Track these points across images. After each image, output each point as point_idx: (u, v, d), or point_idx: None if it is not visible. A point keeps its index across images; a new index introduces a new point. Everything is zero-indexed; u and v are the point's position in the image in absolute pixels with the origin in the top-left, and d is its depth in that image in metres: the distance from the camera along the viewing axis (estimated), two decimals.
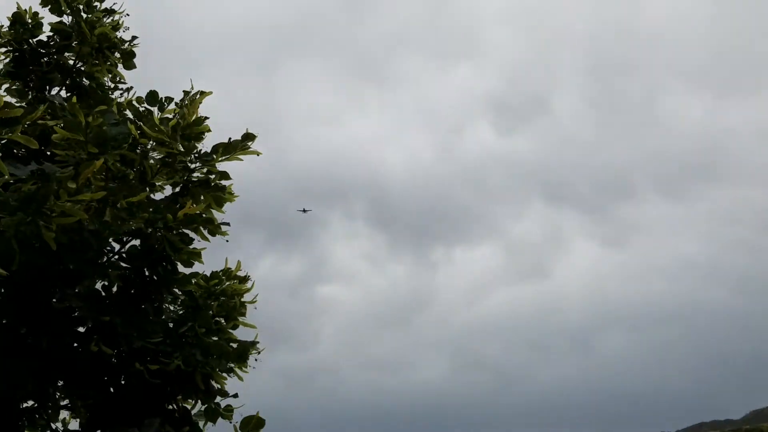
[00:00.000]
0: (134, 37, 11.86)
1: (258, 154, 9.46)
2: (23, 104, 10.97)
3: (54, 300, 8.13)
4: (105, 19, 11.70)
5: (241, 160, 9.42)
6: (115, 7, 11.61)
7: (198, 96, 9.33)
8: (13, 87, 10.58)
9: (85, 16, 11.53)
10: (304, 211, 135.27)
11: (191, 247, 8.98)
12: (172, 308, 9.67)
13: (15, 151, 9.57)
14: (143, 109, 8.63)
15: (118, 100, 10.76)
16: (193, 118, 9.21)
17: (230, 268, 9.59)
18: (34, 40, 10.97)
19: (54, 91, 10.95)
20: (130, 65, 11.76)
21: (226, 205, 9.47)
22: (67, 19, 11.50)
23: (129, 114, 10.92)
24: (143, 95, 9.56)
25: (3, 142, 8.29)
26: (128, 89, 11.40)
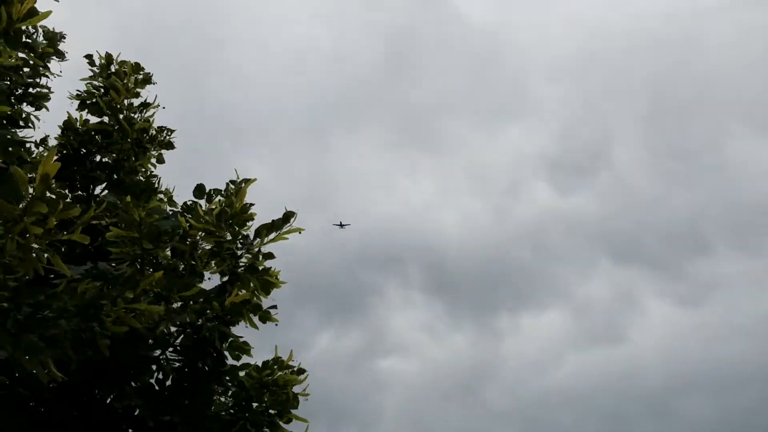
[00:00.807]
0: (171, 130, 12.24)
1: (300, 231, 9.52)
2: (68, 202, 11.27)
3: (112, 398, 8.10)
4: (143, 113, 12.14)
5: (287, 239, 9.49)
6: (150, 100, 12.07)
7: (243, 184, 9.49)
8: (60, 188, 10.91)
9: (124, 113, 11.97)
10: (341, 225, 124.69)
11: (241, 338, 9.02)
12: (223, 399, 9.58)
13: (63, 249, 9.78)
14: (191, 202, 8.80)
15: (161, 191, 11.06)
16: (240, 205, 9.35)
17: (281, 358, 9.52)
18: (79, 141, 11.39)
19: (98, 189, 11.28)
20: (160, 159, 12.14)
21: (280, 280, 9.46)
22: (106, 118, 11.94)
23: (170, 205, 11.17)
24: (193, 175, 9.81)
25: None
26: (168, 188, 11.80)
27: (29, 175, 8.86)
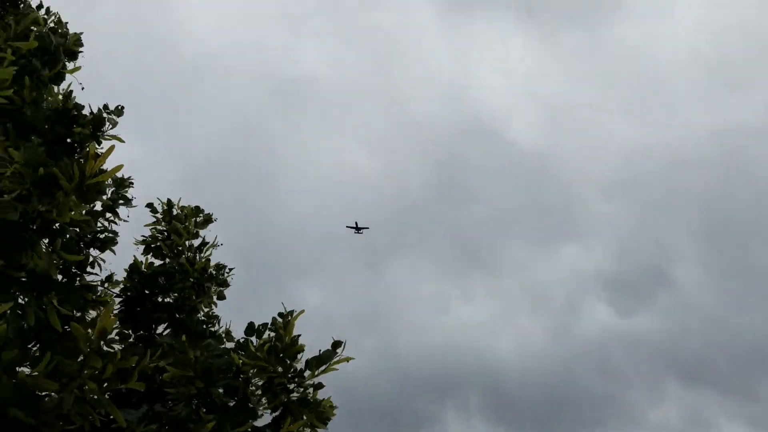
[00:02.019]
0: (230, 269, 12.85)
1: (349, 360, 9.68)
2: (132, 342, 11.80)
3: None
4: (204, 253, 12.82)
5: (336, 369, 9.65)
6: (209, 238, 12.76)
7: (291, 317, 9.82)
8: (124, 330, 11.47)
9: (185, 254, 12.68)
10: (358, 230, 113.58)
11: None
12: None
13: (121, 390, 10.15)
14: (243, 339, 9.14)
15: (220, 331, 11.50)
16: (289, 339, 9.64)
17: None
18: (142, 283, 12.05)
19: (160, 329, 11.80)
20: (220, 296, 12.68)
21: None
22: (168, 260, 12.65)
23: (228, 340, 11.56)
24: (249, 304, 10.21)
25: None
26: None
27: (91, 314, 9.40)
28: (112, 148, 8.74)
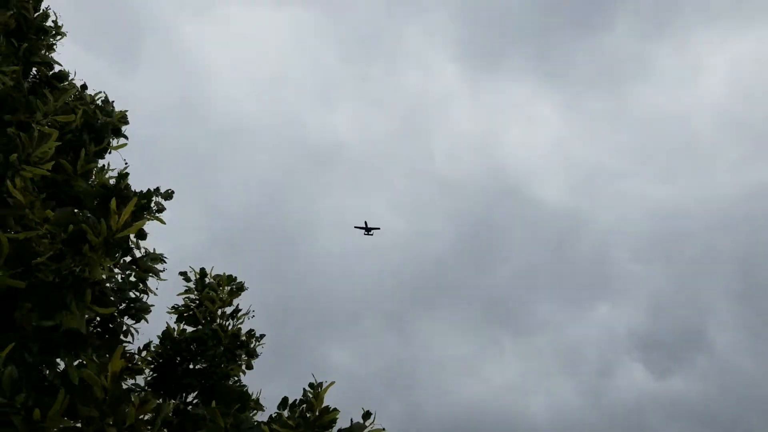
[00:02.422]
0: (260, 337, 12.98)
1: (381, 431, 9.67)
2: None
3: None
4: (235, 321, 12.99)
5: None
6: (242, 305, 12.93)
7: (321, 389, 9.87)
8: (155, 398, 11.56)
9: (217, 321, 12.85)
10: (367, 230, 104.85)
11: None
12: None
13: None
14: (275, 414, 9.20)
15: (252, 398, 11.54)
16: (319, 409, 9.67)
17: None
18: (175, 350, 12.21)
19: (191, 397, 11.88)
20: (249, 365, 12.77)
21: None
22: (201, 327, 12.82)
23: (256, 408, 11.58)
24: (278, 365, 10.27)
25: None
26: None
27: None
28: (134, 201, 8.91)
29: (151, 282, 11.86)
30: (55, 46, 11.67)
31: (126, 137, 11.39)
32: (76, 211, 9.24)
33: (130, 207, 8.19)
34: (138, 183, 11.46)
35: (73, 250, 7.80)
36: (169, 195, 10.71)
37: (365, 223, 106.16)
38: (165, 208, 10.55)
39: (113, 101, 11.06)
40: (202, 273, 12.92)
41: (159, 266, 11.88)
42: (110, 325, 10.26)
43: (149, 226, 10.87)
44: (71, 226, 7.77)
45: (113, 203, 8.18)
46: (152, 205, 10.58)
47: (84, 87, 11.44)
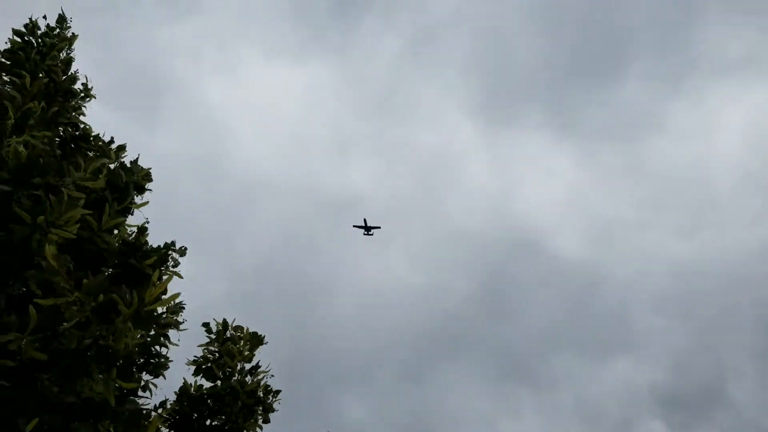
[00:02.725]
0: (276, 392, 12.97)
1: None
2: None
3: None
4: (254, 377, 12.99)
5: None
6: (261, 360, 12.94)
7: None
8: None
9: (236, 377, 12.85)
10: (367, 230, 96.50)
11: None
12: None
13: None
14: None
15: None
16: None
17: None
18: (191, 406, 12.20)
19: None
20: (266, 420, 12.73)
21: None
22: (219, 382, 12.82)
23: None
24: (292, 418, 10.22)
25: None
26: None
27: None
28: (170, 278, 9.16)
29: (172, 333, 11.96)
30: (84, 108, 12.09)
31: (150, 189, 11.64)
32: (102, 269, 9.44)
33: (165, 283, 8.40)
34: (158, 236, 11.68)
35: (102, 319, 7.93)
36: (182, 252, 10.93)
37: (364, 221, 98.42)
38: (179, 263, 10.76)
39: (138, 156, 11.38)
40: (224, 325, 13.01)
41: (179, 317, 11.97)
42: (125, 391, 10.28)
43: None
44: (102, 295, 7.92)
45: (155, 275, 8.38)
46: (169, 259, 10.77)
47: (110, 142, 11.79)
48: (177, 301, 12.15)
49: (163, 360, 11.64)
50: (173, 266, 10.77)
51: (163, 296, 9.16)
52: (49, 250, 8.30)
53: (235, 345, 12.76)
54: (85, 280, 8.09)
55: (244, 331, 12.97)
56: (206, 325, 13.16)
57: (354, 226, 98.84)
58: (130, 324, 8.82)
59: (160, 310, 11.42)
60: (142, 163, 11.96)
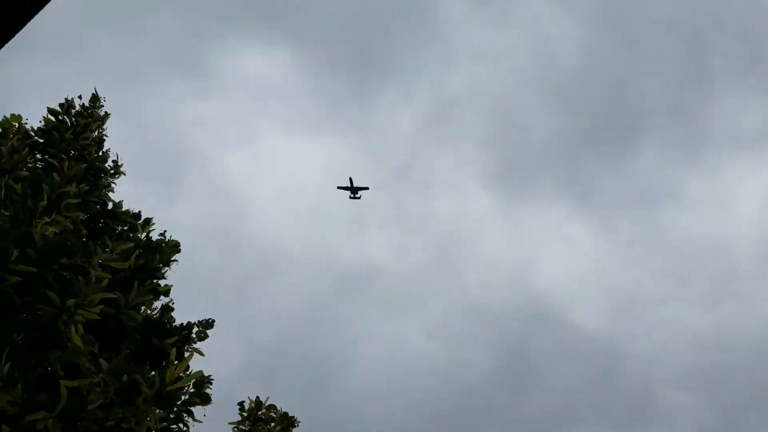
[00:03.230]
0: None
1: None
2: None
3: None
4: None
5: None
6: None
7: None
8: None
9: None
10: (353, 192, 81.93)
11: None
12: None
13: None
14: None
15: None
16: None
17: None
18: None
19: None
20: None
21: None
22: None
23: None
24: None
25: None
26: None
27: None
28: (191, 355, 9.04)
29: (197, 410, 11.73)
30: (113, 185, 12.27)
31: (176, 261, 11.62)
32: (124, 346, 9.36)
33: (185, 362, 8.32)
34: (178, 309, 11.61)
35: (124, 401, 7.82)
36: (209, 324, 10.81)
37: (350, 180, 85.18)
38: (207, 336, 10.64)
39: (165, 231, 11.44)
40: (258, 404, 12.76)
41: (208, 389, 11.76)
42: None
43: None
44: (125, 376, 7.83)
45: (173, 354, 8.31)
46: (193, 334, 10.65)
47: (138, 216, 11.88)
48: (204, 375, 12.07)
49: None
50: (199, 339, 10.63)
51: (185, 373, 9.06)
52: (75, 331, 8.25)
53: (266, 425, 12.47)
54: (102, 360, 8.00)
55: (277, 411, 12.71)
56: (241, 404, 12.92)
57: (338, 187, 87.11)
58: (151, 405, 8.74)
59: (182, 389, 11.31)
60: (162, 232, 12.01)
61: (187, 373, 9.12)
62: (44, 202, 9.13)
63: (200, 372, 9.52)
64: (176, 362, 8.72)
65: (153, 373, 8.53)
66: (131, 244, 9.95)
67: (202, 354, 10.87)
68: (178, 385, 9.22)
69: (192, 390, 11.92)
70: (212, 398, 12.84)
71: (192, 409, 11.80)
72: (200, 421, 11.88)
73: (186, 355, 10.72)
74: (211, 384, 12.03)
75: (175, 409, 11.56)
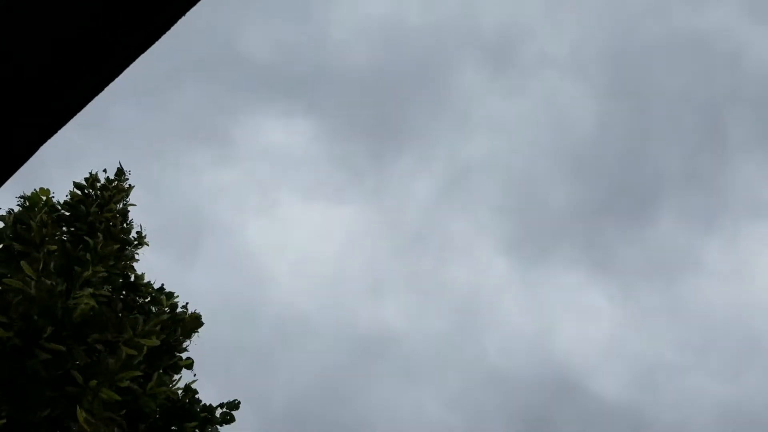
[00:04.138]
0: None
1: None
2: None
3: None
4: None
5: None
6: None
7: None
8: None
9: None
10: None
11: None
12: None
13: None
14: None
15: None
16: None
17: None
18: None
19: None
20: None
21: None
22: None
23: None
24: None
25: None
26: None
27: None
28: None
29: None
30: (137, 256, 12.38)
31: (197, 332, 11.54)
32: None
33: None
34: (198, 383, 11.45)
35: None
36: (235, 406, 10.66)
37: None
38: (233, 419, 10.47)
39: (187, 304, 11.41)
40: None
41: None
42: None
43: None
44: None
45: None
46: (217, 415, 10.51)
47: (161, 290, 11.92)
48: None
49: None
50: (224, 422, 10.47)
51: None
52: (81, 414, 8.16)
53: None
54: None
55: None
56: None
57: None
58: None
59: None
60: (181, 301, 12.00)
61: None
62: (81, 280, 9.19)
63: None
64: None
65: None
66: (163, 317, 9.96)
67: None
68: None
69: None
70: None
71: None
72: None
73: None
74: None
75: None
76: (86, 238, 10.76)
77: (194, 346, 12.15)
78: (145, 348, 9.58)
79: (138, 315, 9.71)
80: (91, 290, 9.01)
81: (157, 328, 9.86)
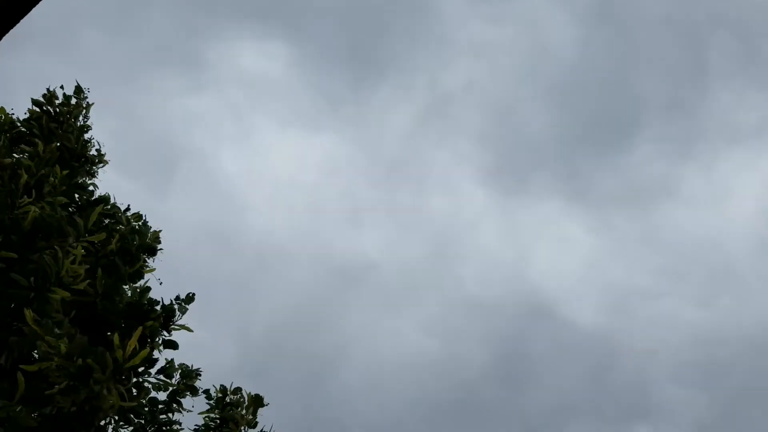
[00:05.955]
0: None
1: None
2: None
3: None
4: None
5: None
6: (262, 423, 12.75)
7: None
8: None
9: None
10: None
11: None
12: None
13: None
14: None
15: None
16: None
17: None
18: None
19: None
20: None
21: None
22: None
23: None
24: None
25: None
26: None
27: None
28: (138, 332, 8.86)
29: (187, 401, 11.85)
30: (96, 173, 12.35)
31: (161, 249, 11.68)
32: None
33: (135, 336, 8.33)
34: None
35: (83, 384, 7.89)
36: (189, 299, 10.82)
37: None
38: (187, 309, 10.63)
39: (146, 221, 11.49)
40: (223, 390, 12.75)
41: (195, 383, 11.83)
42: None
43: (182, 337, 10.97)
44: (80, 360, 7.91)
45: (116, 338, 8.31)
46: (176, 314, 10.67)
47: (127, 210, 11.97)
48: (193, 366, 12.10)
49: (175, 427, 11.47)
50: (181, 317, 10.67)
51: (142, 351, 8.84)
52: (29, 314, 8.25)
53: (237, 409, 12.49)
54: (61, 344, 8.02)
55: (245, 394, 12.72)
56: (206, 392, 12.89)
57: None
58: (110, 384, 8.57)
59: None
60: (155, 227, 12.09)
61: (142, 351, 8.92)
62: (23, 180, 9.12)
63: (146, 350, 9.36)
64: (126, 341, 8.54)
65: (106, 354, 8.44)
66: (99, 209, 9.93)
67: (190, 330, 10.92)
68: (133, 362, 8.73)
69: (182, 382, 12.01)
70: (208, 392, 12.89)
71: (181, 399, 11.93)
72: (190, 410, 11.98)
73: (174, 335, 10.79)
74: (200, 377, 12.13)
75: (166, 398, 11.65)
76: (27, 148, 10.69)
77: (171, 275, 12.29)
78: (103, 262, 9.72)
79: (77, 217, 9.71)
80: (42, 203, 9.01)
81: (115, 237, 9.96)
